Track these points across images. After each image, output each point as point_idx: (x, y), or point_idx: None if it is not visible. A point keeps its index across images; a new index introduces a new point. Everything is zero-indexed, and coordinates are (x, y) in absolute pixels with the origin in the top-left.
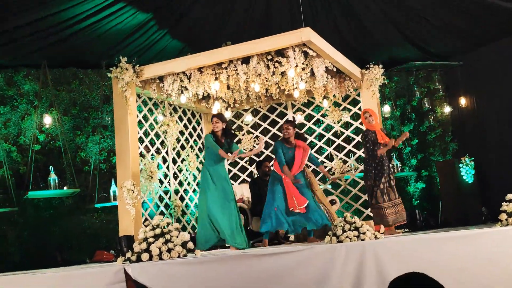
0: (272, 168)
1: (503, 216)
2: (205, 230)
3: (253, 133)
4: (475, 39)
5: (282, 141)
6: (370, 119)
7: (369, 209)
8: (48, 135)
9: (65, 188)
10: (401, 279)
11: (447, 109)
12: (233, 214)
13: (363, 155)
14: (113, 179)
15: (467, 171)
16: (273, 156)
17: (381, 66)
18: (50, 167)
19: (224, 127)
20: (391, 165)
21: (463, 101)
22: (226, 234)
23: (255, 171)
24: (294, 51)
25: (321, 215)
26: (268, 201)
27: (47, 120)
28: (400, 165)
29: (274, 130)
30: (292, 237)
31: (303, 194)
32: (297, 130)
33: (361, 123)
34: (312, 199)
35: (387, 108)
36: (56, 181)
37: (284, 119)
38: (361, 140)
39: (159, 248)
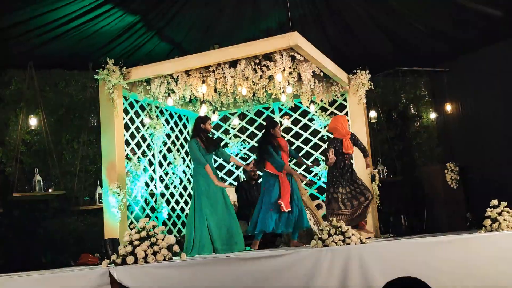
0: (257, 172)
1: (487, 222)
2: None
3: (240, 137)
4: (461, 45)
5: (270, 142)
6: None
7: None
8: (34, 136)
9: (50, 190)
10: (394, 283)
11: (433, 115)
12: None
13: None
14: (98, 182)
15: (452, 177)
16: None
17: (367, 71)
18: (35, 168)
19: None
20: (376, 170)
21: (448, 107)
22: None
23: (242, 175)
24: (282, 55)
25: (306, 217)
26: (264, 202)
27: (33, 121)
28: (386, 170)
29: (260, 134)
30: (278, 241)
31: (294, 194)
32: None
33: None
34: (301, 201)
35: (373, 113)
36: (42, 183)
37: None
38: (326, 147)
39: (145, 251)
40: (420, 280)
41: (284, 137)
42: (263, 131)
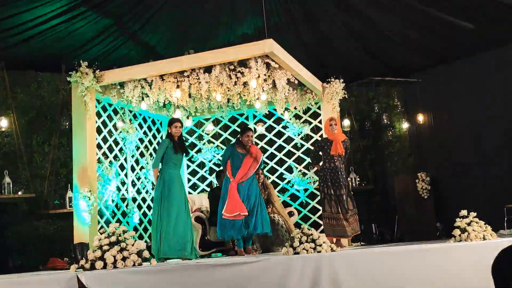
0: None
1: (457, 232)
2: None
3: (214, 142)
4: (434, 57)
5: (236, 145)
6: (334, 127)
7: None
8: (4, 138)
9: (19, 193)
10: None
11: (405, 125)
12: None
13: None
14: (69, 185)
15: (423, 187)
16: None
17: (342, 80)
18: (5, 171)
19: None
20: (348, 179)
21: (420, 117)
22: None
23: (215, 181)
24: (257, 62)
25: (262, 223)
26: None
27: (3, 123)
28: (358, 179)
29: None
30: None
31: (249, 199)
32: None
33: (321, 136)
34: (258, 206)
35: (346, 122)
36: (11, 186)
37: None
38: (318, 149)
39: (114, 256)
40: None
41: (258, 144)
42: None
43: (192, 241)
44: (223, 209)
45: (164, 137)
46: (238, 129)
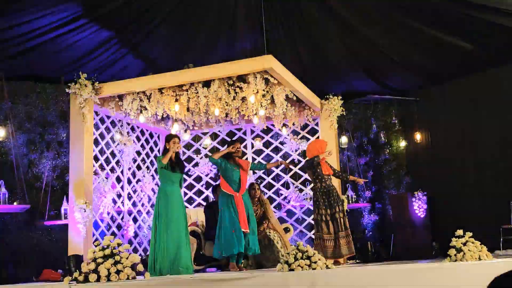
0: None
1: (452, 252)
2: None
3: None
4: (432, 76)
5: (227, 159)
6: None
7: None
8: (1, 148)
9: (15, 203)
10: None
11: (402, 143)
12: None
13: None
14: (65, 197)
15: (419, 205)
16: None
17: (340, 97)
18: (1, 181)
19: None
20: (344, 196)
21: (418, 136)
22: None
23: (211, 195)
24: (256, 77)
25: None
26: (224, 224)
27: (1, 132)
28: (355, 197)
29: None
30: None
31: (249, 216)
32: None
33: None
34: (254, 223)
35: (344, 139)
36: (6, 196)
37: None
38: (307, 169)
39: (108, 269)
40: None
41: (255, 159)
42: None
43: (190, 257)
44: (239, 224)
45: (161, 151)
46: None
